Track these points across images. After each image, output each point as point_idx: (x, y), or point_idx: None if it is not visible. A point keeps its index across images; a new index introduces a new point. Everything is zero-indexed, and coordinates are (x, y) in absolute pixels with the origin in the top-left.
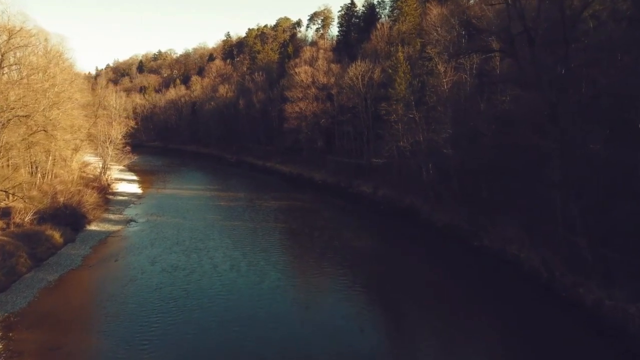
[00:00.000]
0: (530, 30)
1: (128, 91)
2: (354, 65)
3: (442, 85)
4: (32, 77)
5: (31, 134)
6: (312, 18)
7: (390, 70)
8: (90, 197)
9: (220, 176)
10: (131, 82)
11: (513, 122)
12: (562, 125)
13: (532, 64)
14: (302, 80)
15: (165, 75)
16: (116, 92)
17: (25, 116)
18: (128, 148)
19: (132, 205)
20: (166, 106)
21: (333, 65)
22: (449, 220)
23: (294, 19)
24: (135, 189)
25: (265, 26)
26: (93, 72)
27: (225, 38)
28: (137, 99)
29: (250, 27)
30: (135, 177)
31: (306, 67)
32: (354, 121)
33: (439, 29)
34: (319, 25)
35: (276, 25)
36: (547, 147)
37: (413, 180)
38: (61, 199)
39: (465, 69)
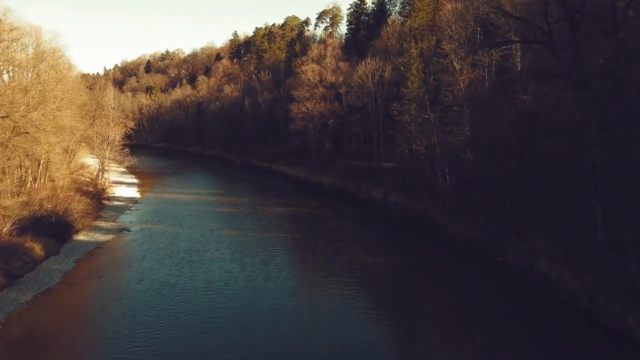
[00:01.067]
0: (574, 15)
1: (134, 91)
2: (363, 62)
3: (459, 83)
4: (15, 74)
5: (9, 138)
6: (321, 16)
7: (402, 68)
8: (79, 204)
9: (223, 179)
10: (138, 82)
11: (540, 124)
12: (611, 129)
13: (575, 56)
14: (309, 79)
15: (172, 75)
16: (123, 92)
17: (2, 117)
18: (127, 150)
19: (127, 211)
20: (172, 106)
21: (341, 63)
22: (468, 232)
23: (303, 18)
24: (133, 193)
25: (273, 25)
26: (101, 73)
27: (233, 37)
28: (143, 99)
29: (258, 26)
30: (135, 180)
31: (313, 65)
32: (363, 122)
33: (452, 25)
34: (328, 24)
35: (284, 24)
36: (588, 153)
37: (427, 186)
38: (48, 206)
39: (483, 66)
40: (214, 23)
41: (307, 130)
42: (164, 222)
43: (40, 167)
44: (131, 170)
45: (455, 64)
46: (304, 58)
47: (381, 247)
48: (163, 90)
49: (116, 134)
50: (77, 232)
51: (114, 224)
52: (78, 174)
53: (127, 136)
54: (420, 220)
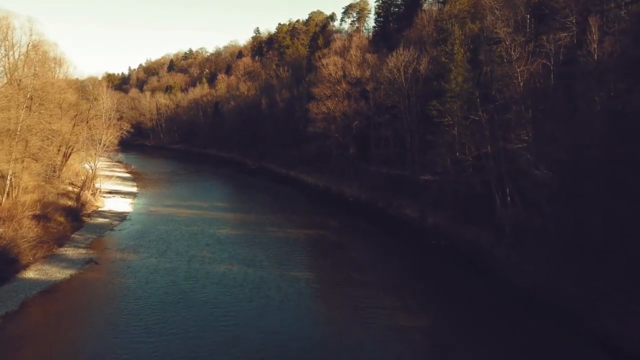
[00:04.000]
0: None
1: (153, 91)
2: (394, 54)
3: (516, 76)
4: None
5: None
6: (347, 11)
7: (443, 58)
8: (30, 231)
9: (233, 188)
10: (158, 81)
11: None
12: None
13: None
14: (331, 74)
15: (195, 74)
16: (143, 92)
17: None
18: (121, 155)
19: (108, 232)
20: (189, 106)
21: (369, 55)
22: (541, 278)
23: (328, 13)
24: (125, 206)
25: (297, 21)
26: (126, 72)
27: (255, 34)
28: (161, 98)
29: (282, 22)
30: (134, 189)
31: (335, 58)
32: (394, 124)
33: (498, 11)
34: (354, 19)
35: (308, 20)
36: None
37: (479, 207)
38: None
39: (548, 54)
40: (238, 21)
41: (328, 132)
42: (147, 249)
43: (9, 179)
44: (135, 177)
45: (511, 51)
46: (325, 51)
47: (421, 296)
48: (183, 90)
49: (108, 137)
50: (25, 267)
51: (83, 251)
52: (69, 183)
53: (144, 137)
54: (469, 252)
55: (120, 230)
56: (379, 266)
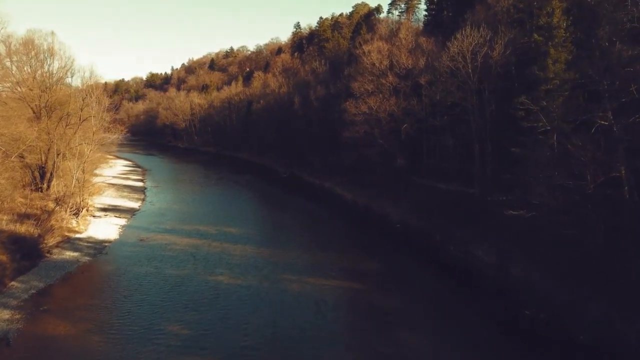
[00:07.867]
0: None
1: (189, 90)
2: (458, 36)
3: None
4: None
5: None
6: (394, 2)
7: (536, 36)
8: None
9: (255, 205)
10: (196, 80)
11: None
12: None
13: None
14: (374, 64)
15: (234, 73)
16: (180, 90)
17: None
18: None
19: (66, 276)
20: (221, 106)
21: (423, 40)
22: None
23: (374, 5)
24: (112, 230)
25: (341, 15)
26: (169, 72)
27: (295, 30)
28: (196, 98)
29: (324, 17)
30: (137, 204)
31: (380, 44)
32: (455, 128)
33: None
34: (402, 10)
35: (352, 14)
36: None
37: (606, 265)
38: None
39: None
40: (281, 18)
41: (370, 138)
42: (102, 310)
43: None
44: (147, 186)
45: None
46: (367, 36)
47: None
48: (219, 89)
49: (98, 140)
50: None
51: (7, 316)
52: (54, 198)
53: (178, 139)
54: (594, 341)
55: (83, 272)
56: None
